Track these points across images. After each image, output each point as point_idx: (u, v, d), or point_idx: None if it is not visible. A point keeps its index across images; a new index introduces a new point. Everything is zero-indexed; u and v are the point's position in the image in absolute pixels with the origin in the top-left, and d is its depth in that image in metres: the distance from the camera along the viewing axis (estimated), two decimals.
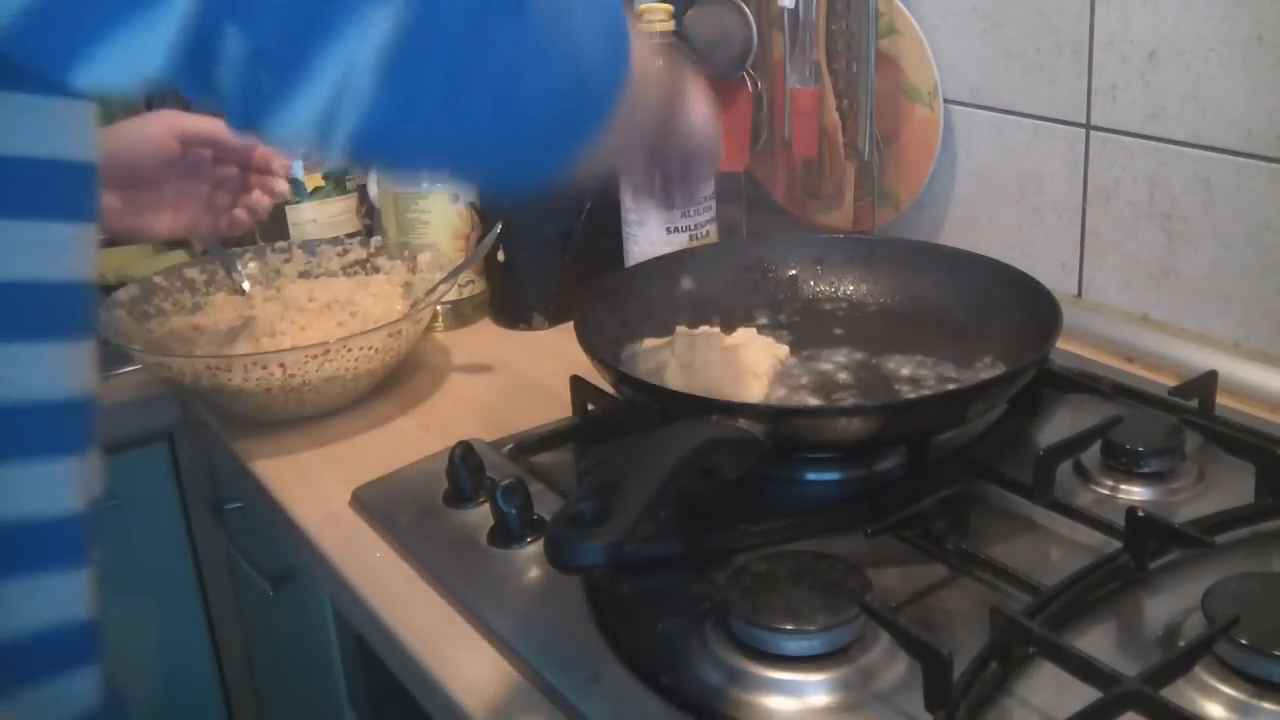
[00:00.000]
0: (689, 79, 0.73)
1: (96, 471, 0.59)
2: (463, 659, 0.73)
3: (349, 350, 1.00)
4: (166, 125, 0.96)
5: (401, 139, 0.45)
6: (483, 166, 0.50)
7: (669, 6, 1.13)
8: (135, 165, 0.96)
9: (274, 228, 1.27)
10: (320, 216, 1.28)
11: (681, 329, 0.98)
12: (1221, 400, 0.92)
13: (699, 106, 0.73)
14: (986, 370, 0.94)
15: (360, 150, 0.45)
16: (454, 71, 0.43)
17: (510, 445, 0.94)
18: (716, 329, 0.98)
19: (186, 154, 0.99)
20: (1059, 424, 0.93)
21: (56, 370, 0.55)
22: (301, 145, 0.44)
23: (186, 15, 0.40)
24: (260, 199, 1.06)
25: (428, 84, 0.43)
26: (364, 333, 1.00)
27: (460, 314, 1.24)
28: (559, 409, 1.00)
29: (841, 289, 1.09)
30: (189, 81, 0.43)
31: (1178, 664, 0.62)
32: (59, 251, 0.54)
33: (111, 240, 1.27)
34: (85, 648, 0.58)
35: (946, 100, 1.15)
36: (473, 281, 1.24)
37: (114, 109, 1.32)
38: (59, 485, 0.55)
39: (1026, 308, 0.94)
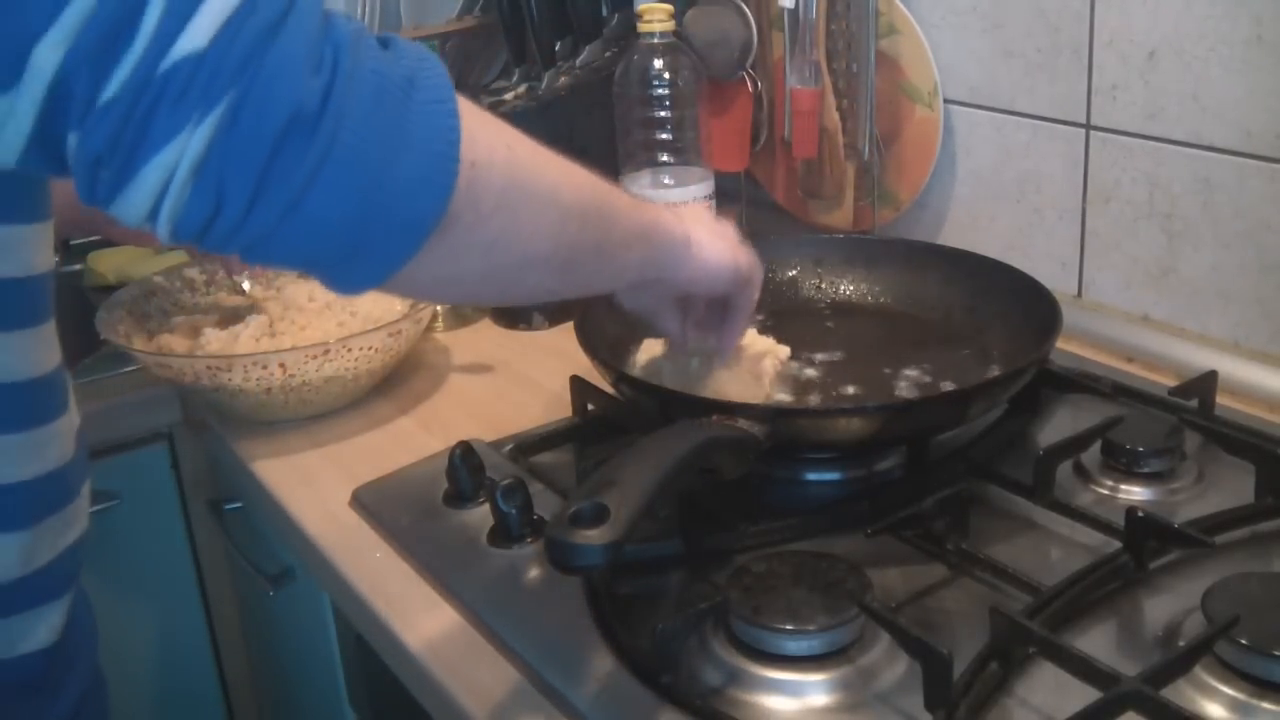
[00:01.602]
0: (701, 226, 0.78)
1: (56, 438, 0.70)
2: (463, 659, 0.73)
3: (349, 350, 1.00)
4: None
5: (220, 235, 0.51)
6: (300, 266, 0.56)
7: (669, 6, 1.13)
8: None
9: None
10: None
11: None
12: (1221, 400, 0.92)
13: (712, 253, 0.78)
14: (986, 370, 0.94)
15: (190, 240, 0.51)
16: (256, 184, 0.49)
17: (510, 445, 0.94)
18: None
19: None
20: (1059, 424, 0.93)
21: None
22: (139, 226, 0.51)
23: (36, 119, 0.49)
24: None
25: (232, 193, 0.49)
26: (364, 333, 1.00)
27: (460, 314, 1.24)
28: (559, 409, 1.00)
29: (841, 289, 1.09)
30: (47, 168, 0.52)
31: (1178, 664, 0.62)
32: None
33: (110, 240, 1.27)
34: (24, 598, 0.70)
35: (946, 100, 1.15)
36: None
37: None
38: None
39: (1026, 308, 0.94)
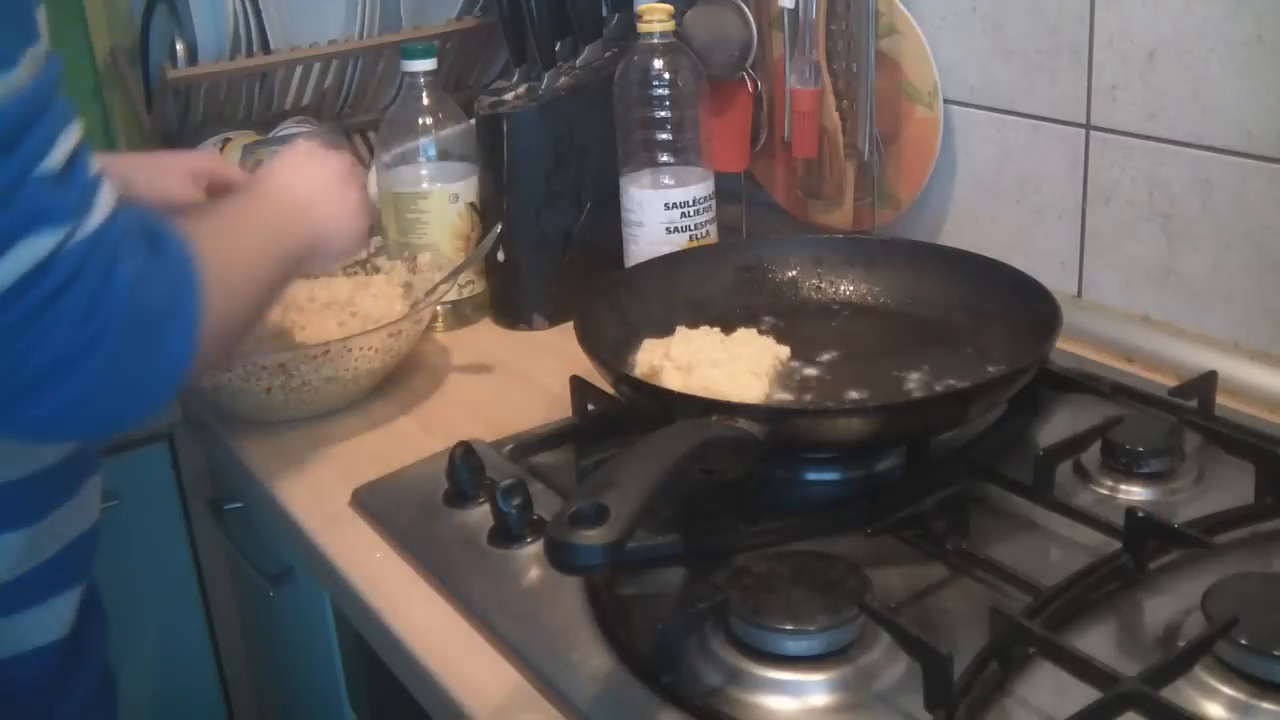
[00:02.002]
0: (328, 214, 0.86)
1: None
2: (463, 659, 0.73)
3: (349, 350, 1.00)
4: (186, 171, 0.96)
5: None
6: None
7: (669, 7, 1.13)
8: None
9: None
10: None
11: (681, 329, 0.98)
12: (1221, 400, 0.92)
13: (344, 241, 0.89)
14: (986, 370, 0.94)
15: None
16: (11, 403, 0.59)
17: (510, 445, 0.94)
18: (716, 329, 0.98)
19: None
20: (1059, 424, 0.93)
21: None
22: None
23: None
24: None
25: None
26: (364, 333, 1.01)
27: (460, 314, 1.24)
28: (559, 409, 1.00)
29: (841, 289, 1.09)
30: None
31: (1178, 664, 0.62)
32: None
33: None
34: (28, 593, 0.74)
35: (946, 100, 1.15)
36: (473, 281, 1.24)
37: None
38: None
39: (1026, 308, 0.94)
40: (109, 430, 0.70)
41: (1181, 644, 0.64)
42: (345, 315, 1.10)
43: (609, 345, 0.96)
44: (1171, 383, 0.93)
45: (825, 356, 0.98)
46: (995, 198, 1.15)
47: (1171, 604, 0.70)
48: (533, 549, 0.80)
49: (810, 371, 0.96)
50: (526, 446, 0.94)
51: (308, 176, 0.87)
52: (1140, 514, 0.72)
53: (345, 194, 0.89)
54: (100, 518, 0.80)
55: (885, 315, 1.06)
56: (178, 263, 0.65)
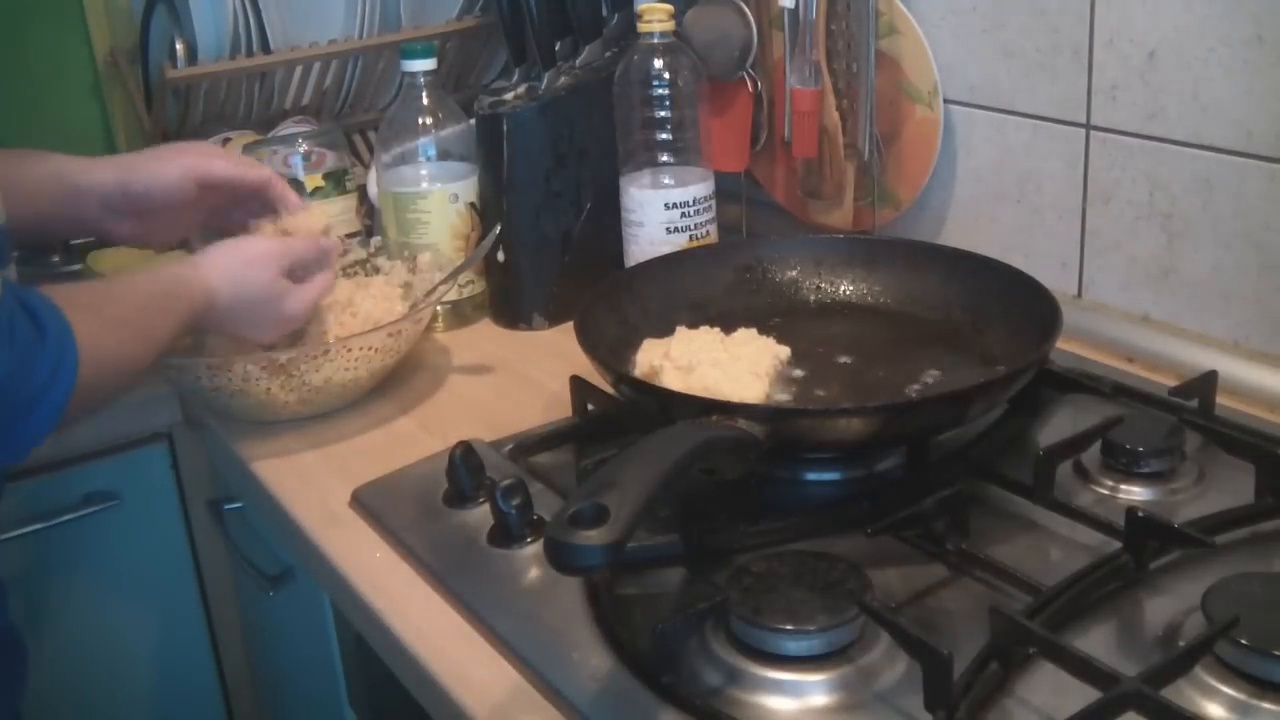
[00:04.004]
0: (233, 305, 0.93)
1: None
2: (462, 659, 0.73)
3: (349, 350, 1.00)
4: (188, 169, 0.97)
5: None
6: None
7: (669, 6, 1.13)
8: (151, 200, 0.97)
9: None
10: None
11: (681, 329, 0.98)
12: (1221, 400, 0.92)
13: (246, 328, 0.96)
14: (986, 370, 0.94)
15: None
16: None
17: (510, 445, 0.94)
18: (716, 329, 0.98)
19: (203, 195, 1.00)
20: (1059, 424, 0.93)
21: None
22: None
23: None
24: None
25: None
26: (364, 333, 1.01)
27: (460, 314, 1.24)
28: (559, 409, 1.00)
29: (841, 289, 1.09)
30: None
31: (1178, 664, 0.62)
32: None
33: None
34: None
35: (946, 100, 1.15)
36: (473, 281, 1.24)
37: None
38: None
39: (1026, 308, 0.94)
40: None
41: (1181, 644, 0.64)
42: (345, 315, 1.10)
43: (609, 345, 0.96)
44: (1171, 383, 0.93)
45: (825, 356, 0.98)
46: (995, 198, 1.15)
47: (1171, 604, 0.70)
48: (533, 549, 0.80)
49: (810, 371, 0.96)
50: (526, 446, 0.94)
51: (246, 275, 0.93)
52: (1140, 514, 0.72)
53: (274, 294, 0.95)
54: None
55: (885, 315, 1.06)
56: (57, 347, 0.73)
